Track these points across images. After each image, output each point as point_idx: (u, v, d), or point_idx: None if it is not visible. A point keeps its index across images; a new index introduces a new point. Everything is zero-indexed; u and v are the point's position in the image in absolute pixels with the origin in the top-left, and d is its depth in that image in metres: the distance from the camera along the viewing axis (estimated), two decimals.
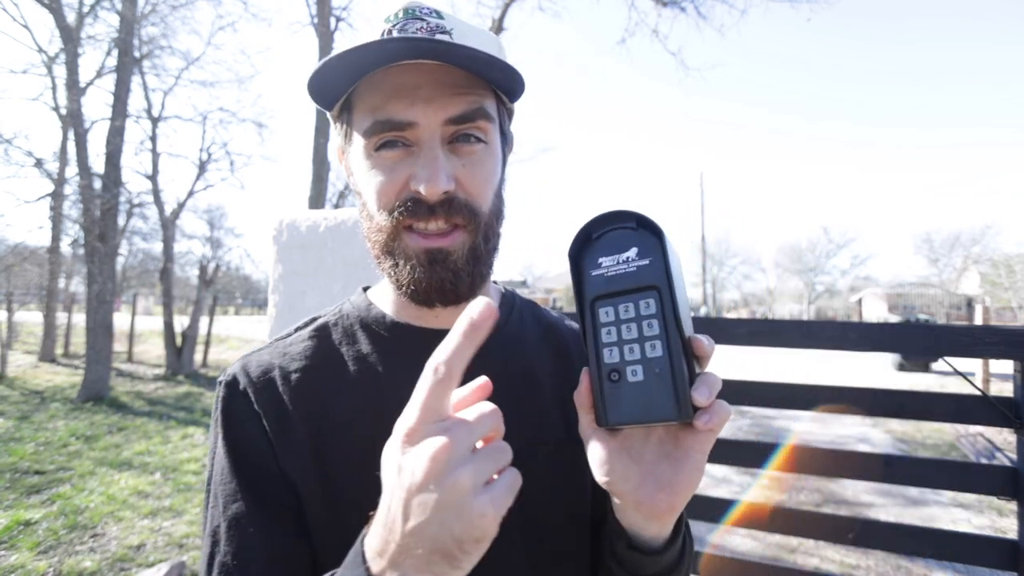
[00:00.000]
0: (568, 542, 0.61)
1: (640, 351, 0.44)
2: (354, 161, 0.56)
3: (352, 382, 0.58)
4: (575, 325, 0.75)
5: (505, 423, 0.58)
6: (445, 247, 0.53)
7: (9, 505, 3.74)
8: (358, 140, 0.54)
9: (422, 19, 0.53)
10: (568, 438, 0.62)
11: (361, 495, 0.54)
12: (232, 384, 0.57)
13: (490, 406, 0.38)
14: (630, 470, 0.46)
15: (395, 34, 0.51)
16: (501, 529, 0.54)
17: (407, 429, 0.37)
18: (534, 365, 0.65)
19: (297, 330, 0.64)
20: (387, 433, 0.55)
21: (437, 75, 0.51)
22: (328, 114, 0.60)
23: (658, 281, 0.44)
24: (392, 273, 0.55)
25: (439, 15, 0.54)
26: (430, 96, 0.51)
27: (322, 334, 0.62)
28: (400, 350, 0.60)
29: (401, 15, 0.53)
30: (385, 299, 0.64)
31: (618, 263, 0.46)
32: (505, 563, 0.54)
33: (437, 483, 0.34)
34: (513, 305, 0.70)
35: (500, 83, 0.55)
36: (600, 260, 0.47)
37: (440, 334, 0.59)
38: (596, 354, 0.45)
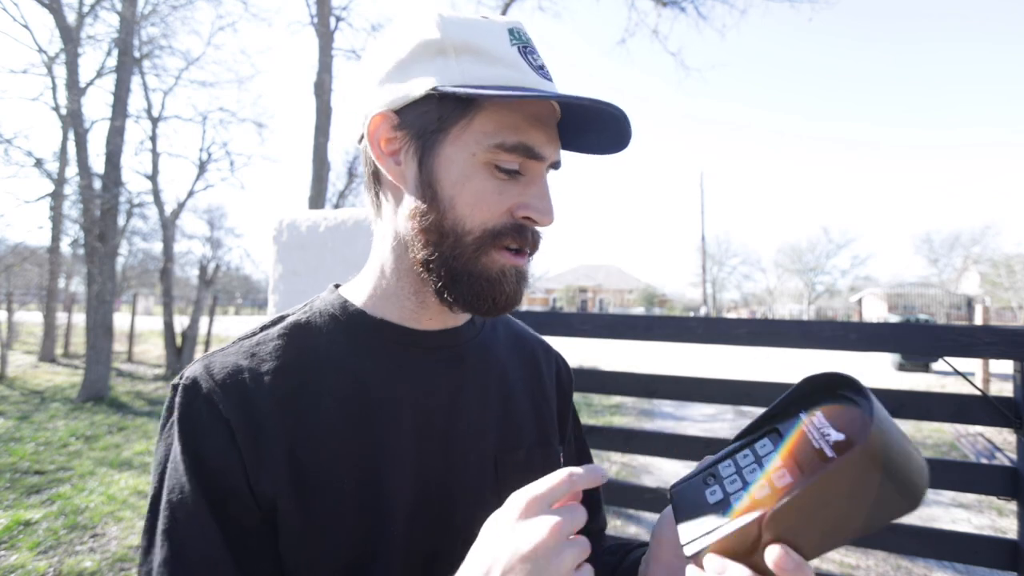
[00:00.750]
0: None
1: (740, 485, 0.44)
2: (455, 163, 0.52)
3: (329, 384, 0.55)
4: (537, 335, 0.79)
5: (483, 428, 0.60)
6: (526, 268, 0.57)
7: (9, 505, 3.74)
8: (475, 143, 0.52)
9: (538, 53, 0.55)
10: (540, 444, 0.65)
11: (343, 507, 0.52)
12: (192, 388, 0.51)
13: (582, 509, 0.44)
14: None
15: (528, 58, 0.53)
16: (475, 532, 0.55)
17: (526, 503, 0.42)
18: (507, 372, 0.66)
19: (264, 328, 0.58)
20: (366, 438, 0.55)
21: (553, 118, 0.55)
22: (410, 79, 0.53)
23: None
24: (469, 284, 0.54)
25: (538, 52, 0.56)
26: (553, 136, 0.55)
27: (293, 332, 0.57)
28: (380, 349, 0.58)
29: (523, 37, 0.54)
30: (362, 297, 0.61)
31: (821, 429, 0.42)
32: None
33: (548, 556, 0.39)
34: None
35: (597, 149, 0.59)
36: (817, 414, 0.43)
37: (424, 335, 0.60)
38: (722, 455, 0.47)
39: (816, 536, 0.39)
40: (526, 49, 0.53)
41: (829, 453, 0.39)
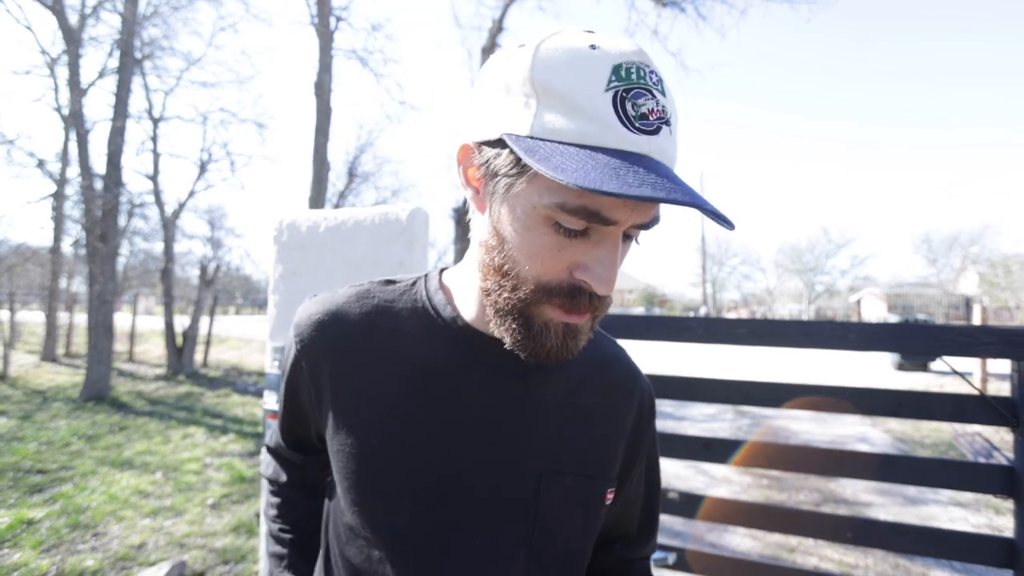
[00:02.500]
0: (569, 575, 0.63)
1: None
2: (518, 211, 0.49)
3: (392, 360, 0.60)
4: (631, 363, 0.73)
5: (530, 444, 0.60)
6: (580, 325, 0.53)
7: (12, 504, 3.75)
8: (537, 196, 0.47)
9: (652, 93, 0.45)
10: (588, 475, 0.63)
11: (357, 476, 0.58)
12: (294, 322, 0.65)
13: None
14: None
15: (625, 107, 0.44)
16: (509, 552, 0.57)
17: None
18: (575, 395, 0.64)
19: (371, 283, 0.66)
20: (399, 424, 0.58)
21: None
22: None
23: None
24: (513, 330, 0.53)
25: (662, 87, 0.46)
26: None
27: (386, 298, 0.64)
28: (445, 343, 0.60)
29: (634, 75, 0.45)
30: (453, 286, 0.63)
31: None
32: None
33: None
34: None
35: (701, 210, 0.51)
36: None
37: (491, 341, 0.58)
38: None
39: None
40: (630, 92, 0.44)
41: None
